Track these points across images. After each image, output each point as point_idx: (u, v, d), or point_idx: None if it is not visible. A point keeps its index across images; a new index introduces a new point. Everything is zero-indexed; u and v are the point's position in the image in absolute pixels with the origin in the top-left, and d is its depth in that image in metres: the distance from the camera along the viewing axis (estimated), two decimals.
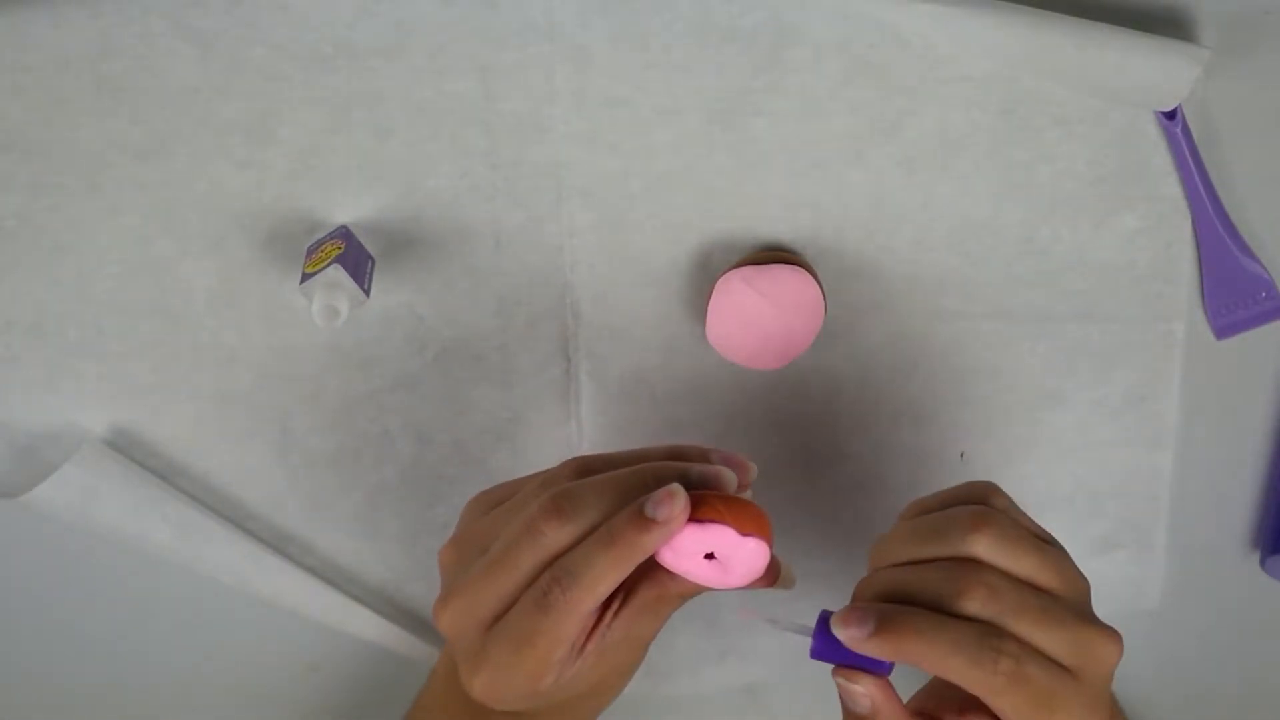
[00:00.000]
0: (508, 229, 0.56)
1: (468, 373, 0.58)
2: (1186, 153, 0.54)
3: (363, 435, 0.59)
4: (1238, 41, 0.53)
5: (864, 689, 0.43)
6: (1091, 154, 0.55)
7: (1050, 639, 0.42)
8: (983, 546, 0.43)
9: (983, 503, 0.45)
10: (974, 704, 0.43)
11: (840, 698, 0.44)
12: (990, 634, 0.41)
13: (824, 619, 0.44)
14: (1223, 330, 0.58)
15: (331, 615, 0.62)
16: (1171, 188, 0.55)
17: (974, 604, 0.41)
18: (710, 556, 0.44)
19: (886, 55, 0.53)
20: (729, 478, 0.45)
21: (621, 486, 0.44)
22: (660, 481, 0.44)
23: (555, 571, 0.43)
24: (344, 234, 0.54)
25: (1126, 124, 0.54)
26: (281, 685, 0.63)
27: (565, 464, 0.47)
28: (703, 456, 0.47)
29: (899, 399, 0.59)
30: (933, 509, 0.46)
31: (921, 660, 0.41)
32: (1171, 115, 0.54)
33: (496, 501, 0.48)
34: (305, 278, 0.51)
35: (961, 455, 0.60)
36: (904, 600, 0.43)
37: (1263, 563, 0.61)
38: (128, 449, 0.59)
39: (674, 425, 0.59)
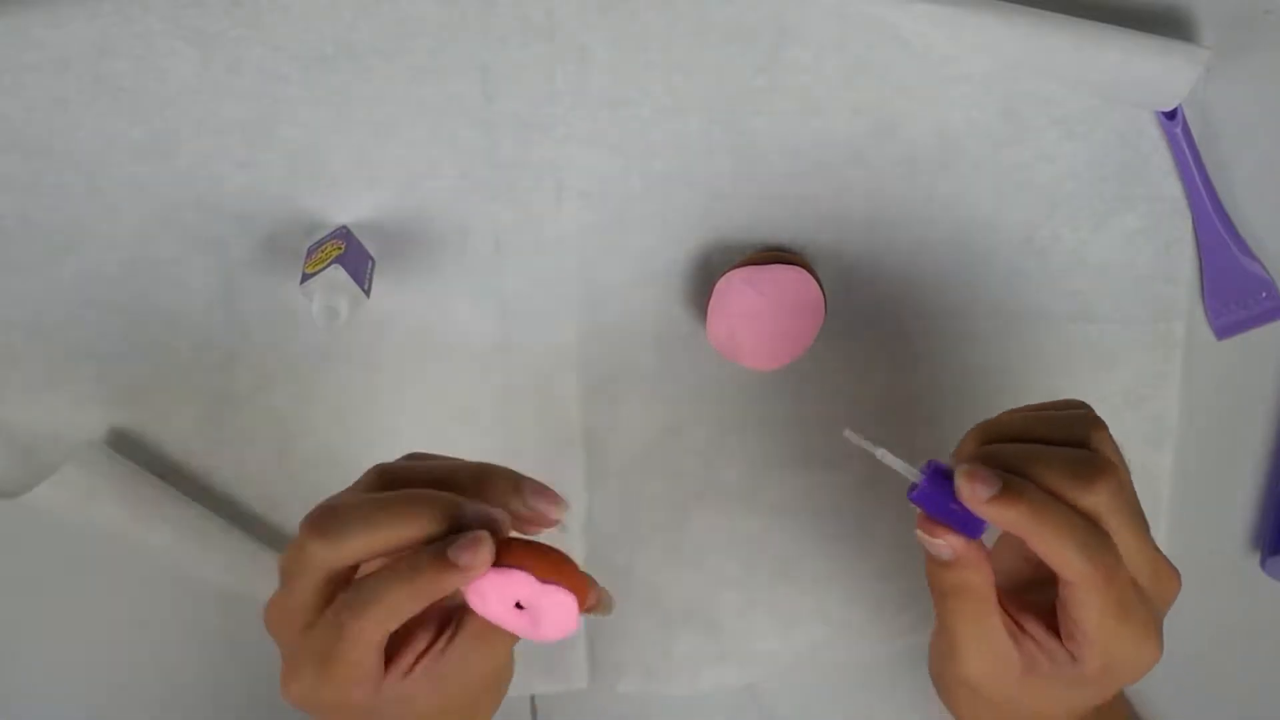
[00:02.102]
0: (508, 229, 0.56)
1: (467, 373, 0.58)
2: (1187, 153, 0.54)
3: (362, 435, 0.59)
4: (1238, 41, 0.53)
5: (947, 543, 0.44)
6: (1091, 154, 0.55)
7: (1143, 557, 0.43)
8: (1109, 448, 0.44)
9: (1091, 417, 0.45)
10: (1031, 604, 0.45)
11: (921, 545, 0.45)
12: (1100, 530, 0.42)
13: (935, 469, 0.45)
14: (1223, 330, 0.58)
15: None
16: (1171, 188, 0.55)
17: (1099, 497, 0.42)
18: (520, 606, 0.43)
19: (886, 55, 0.53)
20: (501, 521, 0.43)
21: (386, 511, 0.43)
22: (428, 512, 0.42)
23: (349, 595, 0.42)
24: (344, 234, 0.54)
25: (1126, 124, 0.54)
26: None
27: (367, 471, 0.46)
28: (514, 486, 0.46)
29: (899, 399, 0.59)
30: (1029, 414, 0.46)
31: (1032, 535, 0.42)
32: (1172, 115, 0.54)
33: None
34: (305, 278, 0.51)
35: None
36: (1020, 473, 0.43)
37: (1263, 563, 0.61)
38: (128, 449, 0.59)
39: (674, 425, 0.59)
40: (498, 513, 0.43)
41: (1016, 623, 0.45)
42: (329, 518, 0.42)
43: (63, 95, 0.54)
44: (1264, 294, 0.57)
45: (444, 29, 0.53)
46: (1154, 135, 0.54)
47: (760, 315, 0.53)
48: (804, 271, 0.54)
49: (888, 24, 0.53)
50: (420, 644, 0.45)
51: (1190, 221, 0.56)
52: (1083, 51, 0.51)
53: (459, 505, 0.43)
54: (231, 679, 0.62)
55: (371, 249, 0.55)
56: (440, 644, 0.45)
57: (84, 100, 0.54)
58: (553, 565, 0.43)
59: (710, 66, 0.53)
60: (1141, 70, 0.51)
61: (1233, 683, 0.64)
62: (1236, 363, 0.58)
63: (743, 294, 0.53)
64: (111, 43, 0.53)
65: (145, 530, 0.58)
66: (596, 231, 0.56)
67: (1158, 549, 0.45)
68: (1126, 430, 0.59)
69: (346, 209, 0.55)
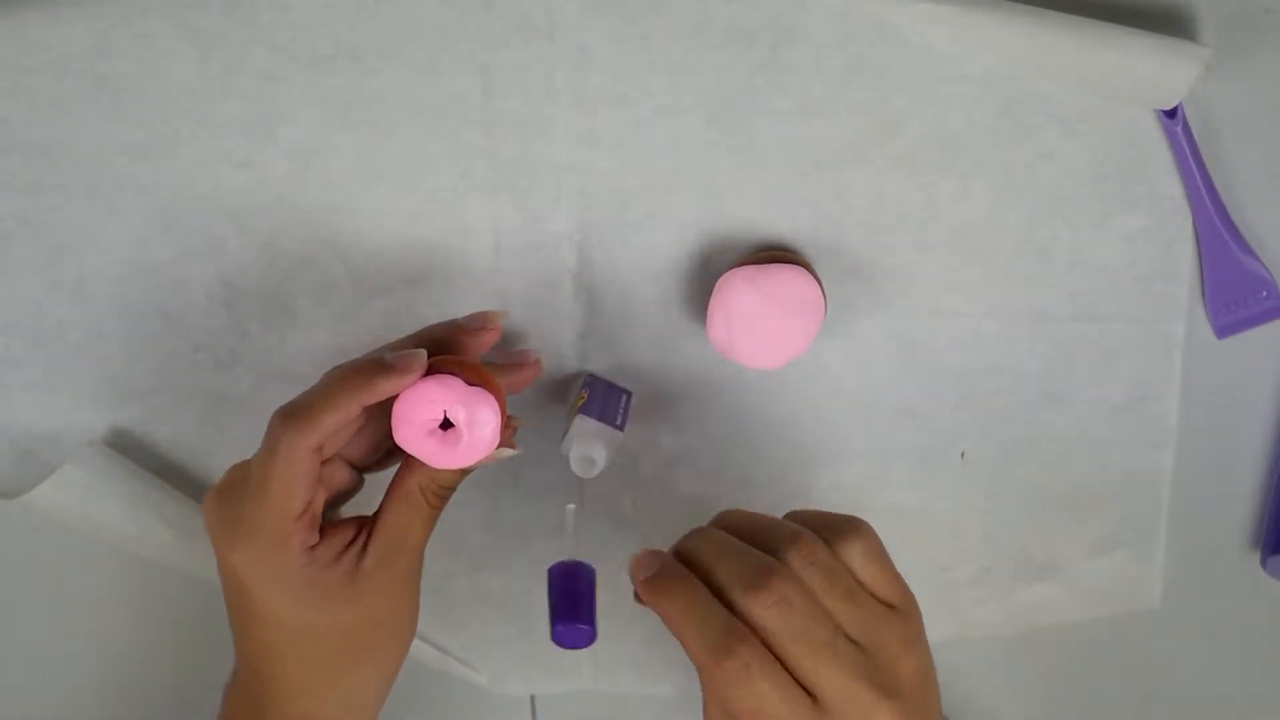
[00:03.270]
0: (508, 229, 0.56)
1: None
2: (1187, 152, 0.54)
3: None
4: (1238, 41, 0.53)
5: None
6: (1091, 153, 0.55)
7: (801, 677, 0.42)
8: (798, 563, 0.43)
9: (839, 534, 0.45)
10: None
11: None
12: (736, 632, 0.42)
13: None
14: (1223, 330, 0.58)
15: None
16: (1172, 187, 0.55)
17: (753, 607, 0.42)
18: (445, 427, 0.47)
19: (886, 55, 0.53)
20: (493, 316, 0.52)
21: (339, 381, 0.46)
22: (437, 344, 0.49)
23: (279, 410, 0.45)
24: (588, 381, 0.56)
25: (1126, 123, 0.54)
26: None
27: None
28: (453, 327, 0.51)
29: (899, 399, 0.59)
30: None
31: (667, 622, 0.43)
32: (1172, 114, 0.54)
33: None
34: (564, 434, 0.55)
35: (962, 455, 0.60)
36: (703, 564, 0.44)
37: (1263, 563, 0.61)
38: (128, 449, 0.59)
39: (674, 425, 0.59)
40: (419, 350, 0.47)
41: None
42: (294, 409, 0.45)
43: (63, 96, 0.54)
44: (1264, 293, 0.57)
45: (444, 29, 0.53)
46: (1154, 134, 0.54)
47: (760, 315, 0.53)
48: (804, 271, 0.54)
49: (888, 24, 0.53)
50: (348, 534, 0.48)
51: (1190, 221, 0.56)
52: (1083, 50, 0.51)
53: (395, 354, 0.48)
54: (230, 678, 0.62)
55: (371, 248, 0.55)
56: (361, 538, 0.48)
57: (84, 101, 0.54)
58: (479, 373, 0.47)
59: (710, 66, 0.53)
60: (1142, 69, 0.51)
61: (1233, 683, 0.64)
62: (1236, 363, 0.58)
63: (743, 294, 0.53)
64: (111, 43, 0.53)
65: (145, 530, 0.58)
66: (596, 231, 0.56)
67: (854, 674, 0.43)
68: (1126, 430, 0.59)
69: (347, 208, 0.55)
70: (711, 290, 0.54)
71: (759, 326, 0.54)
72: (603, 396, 0.56)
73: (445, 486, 0.49)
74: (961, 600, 0.63)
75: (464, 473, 0.50)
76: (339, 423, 0.45)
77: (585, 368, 0.58)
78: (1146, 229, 0.56)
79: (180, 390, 0.58)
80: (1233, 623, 0.63)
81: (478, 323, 0.52)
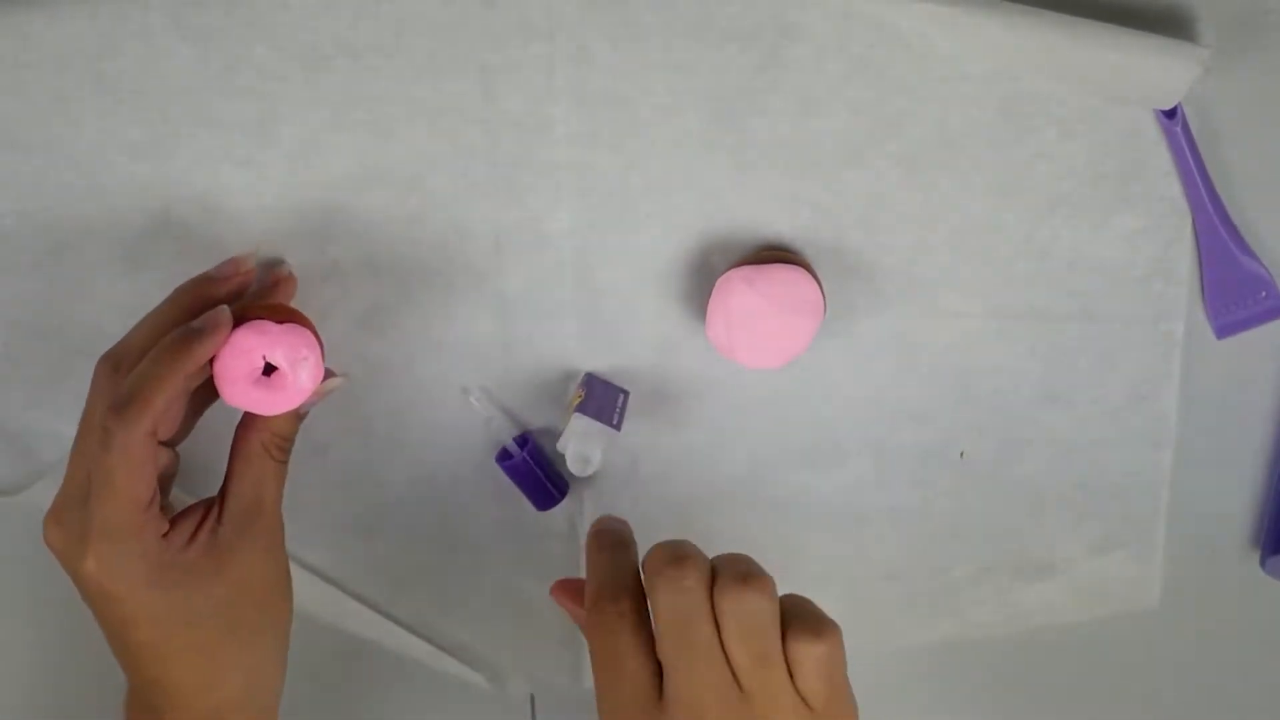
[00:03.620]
0: (508, 229, 0.56)
1: (468, 373, 0.58)
2: (1186, 152, 0.54)
3: (362, 434, 0.59)
4: (1238, 41, 0.53)
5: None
6: (1091, 153, 0.55)
7: (667, 650, 0.44)
8: (729, 601, 0.43)
9: (806, 627, 0.44)
10: None
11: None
12: (630, 588, 0.45)
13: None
14: (1223, 330, 0.58)
15: (329, 613, 0.62)
16: (1171, 187, 0.55)
17: (655, 577, 0.44)
18: (268, 374, 0.47)
19: (886, 55, 0.53)
20: (241, 259, 0.52)
21: (159, 359, 0.46)
22: (201, 302, 0.49)
23: (108, 405, 0.45)
24: (586, 381, 0.56)
25: (1126, 123, 0.54)
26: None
27: (96, 366, 0.49)
28: (208, 279, 0.51)
29: (899, 399, 0.59)
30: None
31: (586, 569, 0.47)
32: (1171, 114, 0.54)
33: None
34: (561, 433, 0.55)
35: (961, 455, 0.60)
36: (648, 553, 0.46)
37: (1263, 563, 0.61)
38: None
39: (673, 425, 0.59)
40: (221, 306, 0.48)
41: None
42: (123, 399, 0.45)
43: (63, 94, 0.54)
44: (1264, 293, 0.57)
45: (444, 29, 0.53)
46: (1154, 134, 0.54)
47: (760, 315, 0.53)
48: (804, 271, 0.54)
49: (888, 24, 0.53)
50: (197, 514, 0.49)
51: (1190, 221, 0.56)
52: (1082, 51, 0.51)
53: (215, 283, 0.51)
54: None
55: (371, 249, 0.55)
56: (214, 511, 0.49)
57: (84, 99, 0.54)
58: (283, 311, 0.49)
59: (710, 66, 0.53)
60: (1141, 69, 0.51)
61: (1233, 683, 0.64)
62: (1236, 363, 0.58)
63: (743, 294, 0.53)
64: (111, 42, 0.53)
65: None
66: (596, 231, 0.56)
67: (689, 668, 0.43)
68: (1126, 430, 0.59)
69: (346, 208, 0.55)
70: (711, 290, 0.54)
71: (759, 326, 0.54)
72: (600, 396, 0.56)
73: (285, 437, 0.50)
74: (961, 600, 0.63)
75: (300, 417, 0.50)
76: (168, 401, 0.46)
77: (584, 367, 0.58)
78: (1146, 229, 0.56)
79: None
80: (1232, 623, 0.63)
81: (229, 269, 0.52)
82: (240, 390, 0.47)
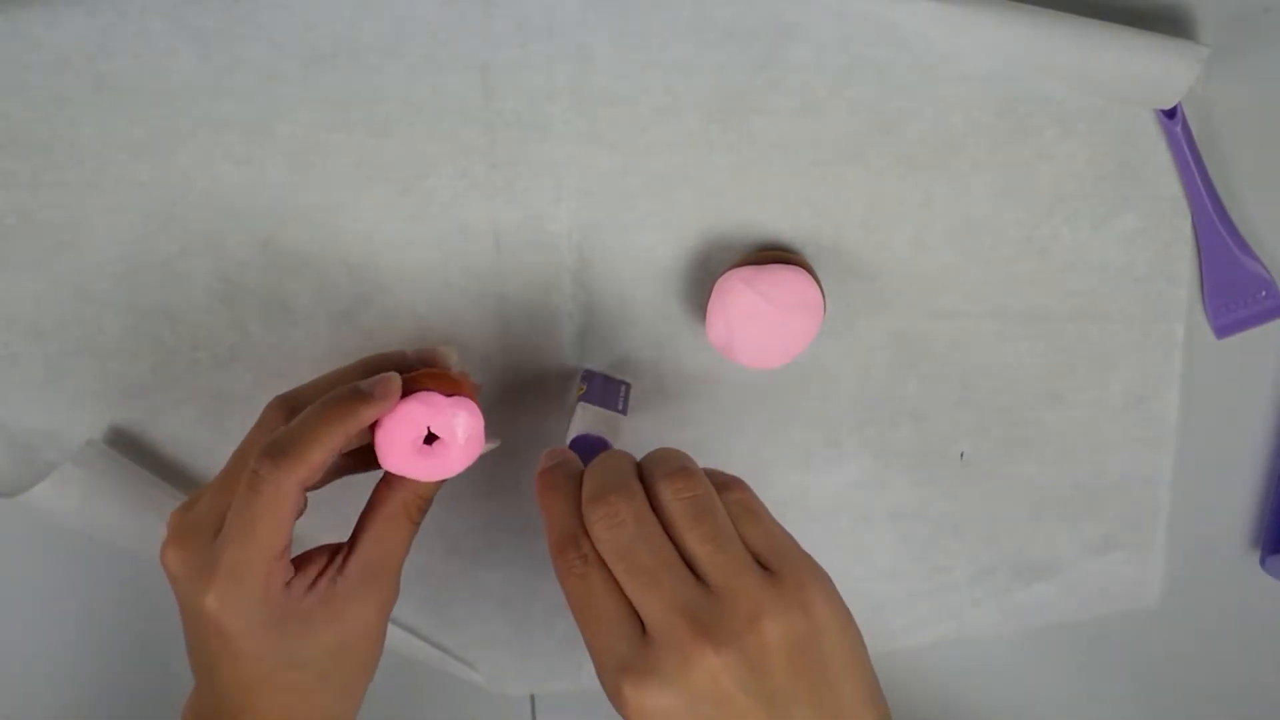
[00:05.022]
0: (508, 229, 0.56)
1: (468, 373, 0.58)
2: (1186, 152, 0.54)
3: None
4: (1238, 41, 0.53)
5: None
6: (1091, 153, 0.55)
7: (629, 589, 0.43)
8: (669, 492, 0.44)
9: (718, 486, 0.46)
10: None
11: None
12: (581, 534, 0.44)
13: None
14: (1223, 330, 0.58)
15: None
16: (1171, 187, 0.55)
17: (591, 515, 0.44)
18: (429, 442, 0.47)
19: (886, 55, 0.53)
20: (445, 353, 0.51)
21: (323, 416, 0.46)
22: (376, 369, 0.49)
23: (263, 450, 0.45)
24: (586, 375, 0.56)
25: (1126, 123, 0.54)
26: None
27: (268, 406, 0.49)
28: (401, 357, 0.51)
29: (899, 399, 0.59)
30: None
31: (542, 513, 0.46)
32: (1171, 114, 0.54)
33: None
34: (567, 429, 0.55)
35: (961, 455, 0.60)
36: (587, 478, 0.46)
37: (1263, 563, 0.61)
38: (127, 448, 0.59)
39: (674, 425, 0.59)
40: (438, 348, 0.50)
41: None
42: (280, 446, 0.45)
43: (62, 94, 0.54)
44: (1264, 293, 0.57)
45: (444, 29, 0.53)
46: (1153, 134, 0.54)
47: (760, 315, 0.53)
48: (804, 271, 0.54)
49: (888, 23, 0.53)
50: (321, 561, 0.48)
51: (1190, 221, 0.56)
52: (1082, 50, 0.51)
53: (402, 355, 0.51)
54: None
55: (370, 249, 0.55)
56: (338, 560, 0.48)
57: (84, 98, 0.54)
58: (453, 383, 0.48)
59: (710, 66, 0.53)
60: (1141, 69, 0.51)
61: (1233, 683, 0.64)
62: (1236, 363, 0.58)
63: (742, 294, 0.53)
64: (111, 40, 0.53)
65: (144, 529, 0.58)
66: (596, 230, 0.56)
67: (652, 601, 0.43)
68: (1126, 430, 0.59)
69: (346, 208, 0.55)
70: (710, 290, 0.54)
71: (759, 326, 0.54)
72: (601, 387, 0.56)
73: (427, 499, 0.50)
74: (961, 600, 0.63)
75: (442, 482, 0.50)
76: (327, 458, 0.45)
77: (584, 367, 0.58)
78: (1146, 229, 0.56)
79: (180, 388, 0.58)
80: (1231, 622, 0.63)
81: (428, 357, 0.51)
82: (402, 459, 0.47)
